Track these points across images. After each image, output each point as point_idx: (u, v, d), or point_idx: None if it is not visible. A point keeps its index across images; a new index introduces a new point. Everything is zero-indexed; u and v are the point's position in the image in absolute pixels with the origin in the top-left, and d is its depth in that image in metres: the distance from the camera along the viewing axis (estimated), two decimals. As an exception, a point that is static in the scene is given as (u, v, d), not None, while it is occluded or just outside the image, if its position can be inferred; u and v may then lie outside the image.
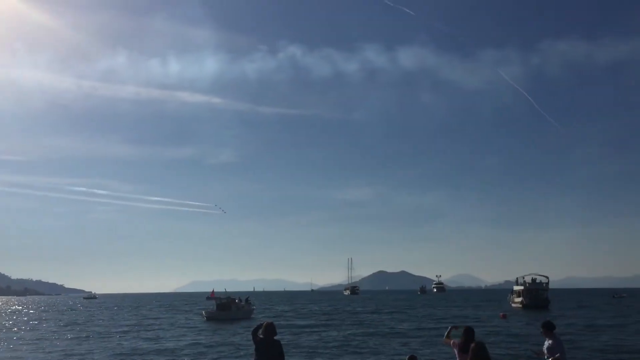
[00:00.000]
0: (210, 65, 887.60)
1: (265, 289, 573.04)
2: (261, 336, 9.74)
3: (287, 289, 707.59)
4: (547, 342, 10.35)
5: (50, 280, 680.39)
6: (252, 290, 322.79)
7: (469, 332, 9.92)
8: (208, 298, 62.78)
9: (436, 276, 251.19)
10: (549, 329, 10.42)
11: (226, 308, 58.70)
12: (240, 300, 61.84)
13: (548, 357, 10.13)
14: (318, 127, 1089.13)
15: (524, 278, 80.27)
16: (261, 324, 9.99)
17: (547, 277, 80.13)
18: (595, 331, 39.17)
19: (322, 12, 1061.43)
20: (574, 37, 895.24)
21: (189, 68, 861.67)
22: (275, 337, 9.88)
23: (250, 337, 10.10)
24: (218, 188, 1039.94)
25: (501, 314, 57.78)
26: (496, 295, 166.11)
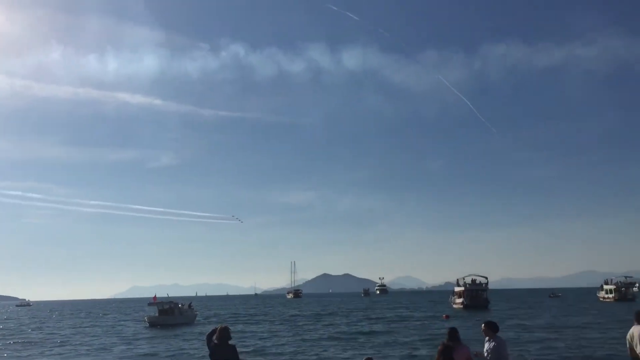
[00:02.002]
0: (149, 62, 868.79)
1: (208, 294, 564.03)
2: (216, 341, 9.52)
3: (231, 293, 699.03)
4: (489, 343, 10.01)
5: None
6: (194, 295, 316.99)
7: (453, 333, 9.85)
8: (150, 304, 61.42)
9: (379, 278, 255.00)
10: (491, 329, 10.11)
11: (169, 313, 57.60)
12: (183, 305, 60.87)
13: (489, 359, 9.87)
14: (261, 130, 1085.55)
15: (464, 279, 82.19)
16: (215, 329, 9.76)
17: (486, 278, 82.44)
18: (536, 330, 40.57)
19: (264, 11, 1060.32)
20: (513, 41, 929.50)
21: (128, 65, 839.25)
22: (230, 342, 9.68)
23: (205, 342, 9.88)
24: (159, 191, 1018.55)
25: (444, 315, 59.14)
26: (438, 296, 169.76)
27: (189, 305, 62.65)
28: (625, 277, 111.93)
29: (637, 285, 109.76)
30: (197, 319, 63.29)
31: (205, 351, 10.00)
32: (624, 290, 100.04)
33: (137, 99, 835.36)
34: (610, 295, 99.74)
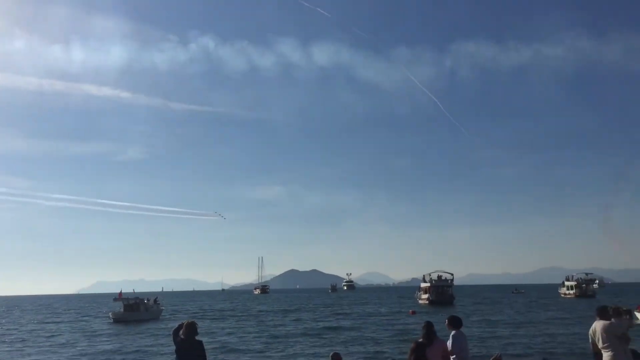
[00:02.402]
0: (117, 54, 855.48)
1: (175, 289, 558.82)
2: (182, 336, 9.42)
3: (198, 288, 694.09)
4: (452, 338, 10.13)
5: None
6: (160, 290, 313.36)
7: (429, 327, 9.87)
8: (115, 299, 60.55)
9: (346, 274, 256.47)
10: (452, 324, 10.28)
11: (134, 309, 57.01)
12: (148, 300, 60.27)
13: (453, 353, 9.97)
14: (231, 124, 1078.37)
15: (430, 275, 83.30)
16: (182, 324, 9.64)
17: (451, 274, 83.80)
18: (499, 325, 41.32)
19: (235, 4, 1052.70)
20: (483, 40, 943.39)
21: (95, 56, 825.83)
22: (197, 338, 9.59)
23: (171, 337, 9.75)
24: (126, 185, 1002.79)
25: (410, 310, 59.91)
26: (404, 292, 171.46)
27: (155, 301, 62.11)
28: (586, 274, 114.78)
29: (597, 282, 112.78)
30: (163, 314, 62.70)
31: (172, 347, 9.88)
32: (584, 287, 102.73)
33: (104, 91, 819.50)
34: (571, 292, 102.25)
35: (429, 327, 9.70)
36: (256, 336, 36.70)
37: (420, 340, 9.37)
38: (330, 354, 11.46)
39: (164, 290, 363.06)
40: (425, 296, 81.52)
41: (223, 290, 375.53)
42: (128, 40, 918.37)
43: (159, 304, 63.07)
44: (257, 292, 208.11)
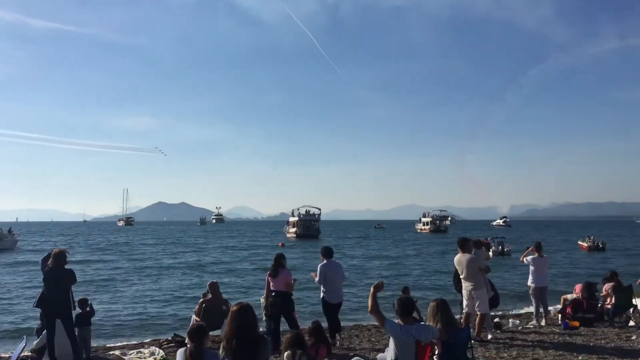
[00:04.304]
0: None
1: (33, 220, 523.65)
2: (50, 265, 8.91)
3: (58, 219, 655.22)
4: (318, 268, 10.40)
5: None
6: (15, 220, 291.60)
7: (276, 259, 10.23)
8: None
9: (216, 208, 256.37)
10: (324, 254, 10.49)
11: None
12: (1, 230, 56.51)
13: (319, 283, 10.36)
14: (99, 48, 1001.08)
15: (298, 210, 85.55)
16: (50, 253, 9.13)
17: (319, 209, 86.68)
18: (359, 257, 43.47)
19: None
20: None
21: None
22: (66, 267, 9.09)
23: (39, 266, 9.22)
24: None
25: (280, 243, 61.59)
26: (273, 226, 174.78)
27: (9, 231, 58.24)
28: (440, 210, 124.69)
29: (449, 218, 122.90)
30: (18, 245, 58.77)
31: (33, 279, 8.92)
32: (438, 223, 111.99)
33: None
34: (427, 227, 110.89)
35: (275, 260, 10.25)
36: (120, 266, 35.21)
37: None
38: (209, 283, 11.19)
39: (19, 220, 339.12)
40: (293, 230, 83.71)
41: (85, 221, 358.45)
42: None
43: (13, 234, 59.04)
44: (121, 224, 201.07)
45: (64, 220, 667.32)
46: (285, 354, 5.74)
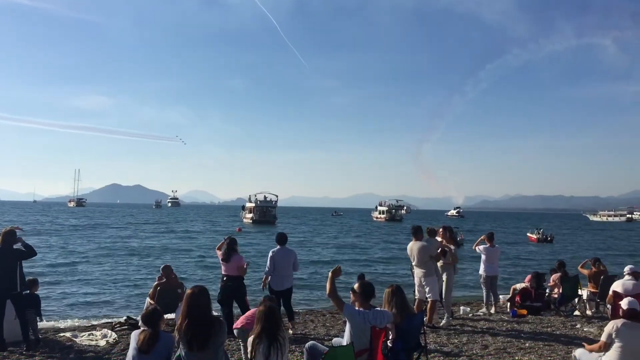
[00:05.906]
0: None
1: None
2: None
3: (6, 199, 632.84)
4: (269, 255, 10.38)
5: None
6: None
7: (228, 244, 10.12)
8: None
9: (172, 191, 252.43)
10: (277, 240, 10.44)
11: None
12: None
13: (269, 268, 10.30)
14: (55, 24, 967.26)
15: (255, 196, 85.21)
16: None
17: (276, 196, 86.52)
18: (319, 246, 43.72)
19: None
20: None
21: None
22: (15, 246, 8.79)
23: None
24: None
25: (237, 228, 61.34)
26: (229, 211, 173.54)
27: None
28: (397, 200, 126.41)
29: (405, 208, 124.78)
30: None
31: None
32: (393, 212, 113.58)
33: None
34: (382, 216, 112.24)
35: (227, 245, 10.14)
36: (63, 252, 34.36)
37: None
38: (162, 267, 11.14)
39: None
40: (249, 215, 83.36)
41: (35, 201, 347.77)
42: None
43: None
44: (71, 204, 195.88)
45: (13, 199, 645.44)
46: (250, 339, 5.43)
